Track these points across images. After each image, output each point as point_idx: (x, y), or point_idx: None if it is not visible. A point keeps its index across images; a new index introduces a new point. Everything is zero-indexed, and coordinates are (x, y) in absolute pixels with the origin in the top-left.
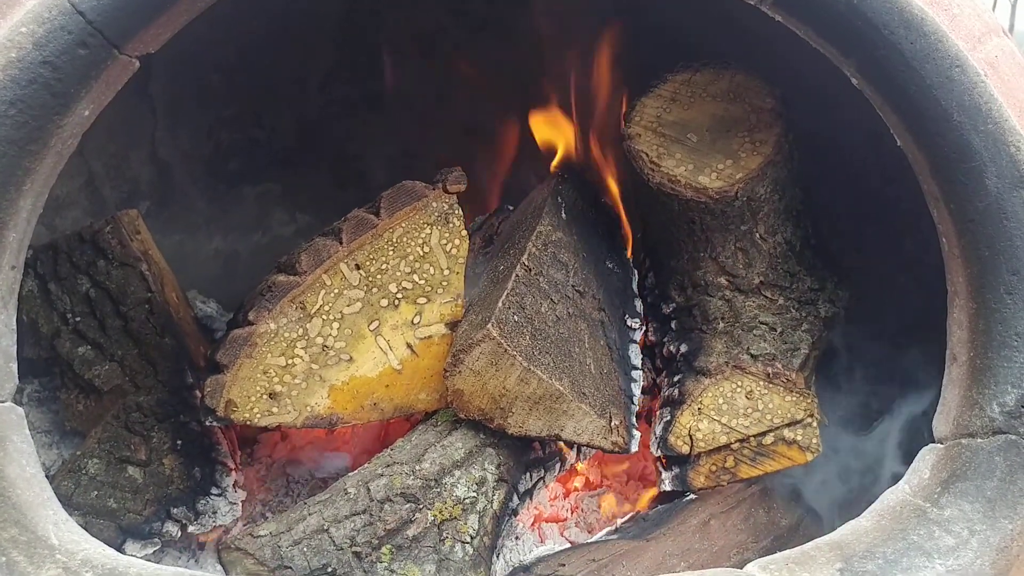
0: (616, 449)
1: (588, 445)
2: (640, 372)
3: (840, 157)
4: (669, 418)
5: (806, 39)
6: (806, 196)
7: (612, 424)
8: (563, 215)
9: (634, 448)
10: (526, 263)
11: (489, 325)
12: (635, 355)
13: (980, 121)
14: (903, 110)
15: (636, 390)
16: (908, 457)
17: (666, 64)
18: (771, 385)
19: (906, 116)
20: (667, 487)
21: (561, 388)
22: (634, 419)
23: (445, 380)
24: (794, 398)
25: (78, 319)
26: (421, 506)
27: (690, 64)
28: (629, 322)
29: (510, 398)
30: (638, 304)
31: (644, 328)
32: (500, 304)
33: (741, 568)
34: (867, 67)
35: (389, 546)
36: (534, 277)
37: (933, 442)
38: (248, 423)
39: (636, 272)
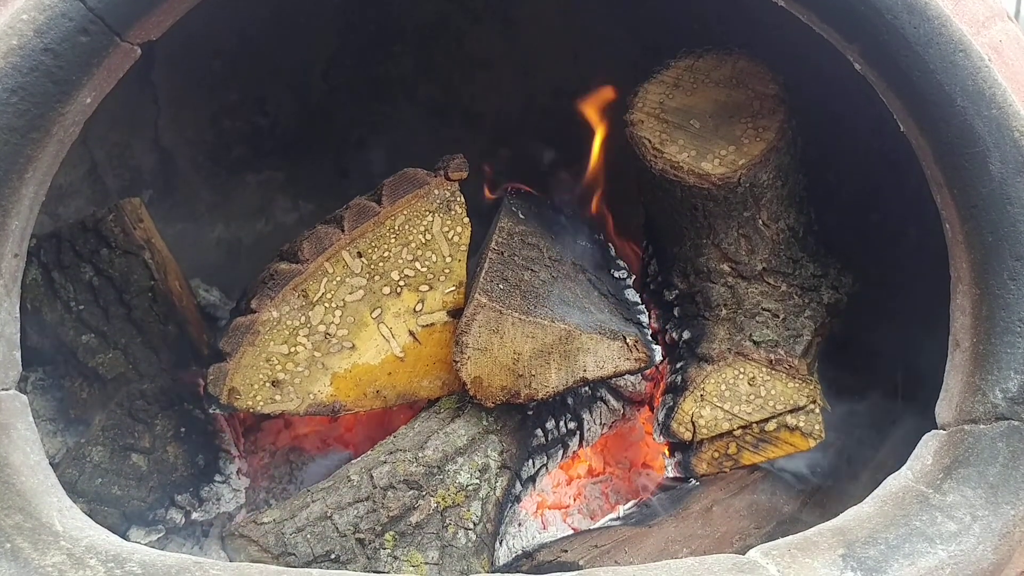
0: (642, 365)
1: (615, 374)
2: (643, 306)
3: (844, 143)
4: (671, 404)
5: (809, 24)
6: (809, 182)
7: (629, 343)
8: (520, 215)
9: (658, 359)
10: (496, 249)
11: (477, 294)
12: (632, 296)
13: (984, 106)
14: (906, 95)
15: (643, 318)
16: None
17: (670, 49)
18: (774, 372)
19: (909, 101)
20: (670, 473)
21: (566, 326)
22: (650, 337)
23: (459, 374)
24: (797, 384)
25: (81, 307)
26: (424, 493)
27: (693, 50)
28: (616, 274)
29: (524, 361)
30: (621, 263)
31: (633, 276)
32: (482, 279)
33: (744, 554)
34: (870, 52)
35: (392, 533)
36: (508, 258)
37: (936, 428)
38: (251, 411)
39: (610, 245)
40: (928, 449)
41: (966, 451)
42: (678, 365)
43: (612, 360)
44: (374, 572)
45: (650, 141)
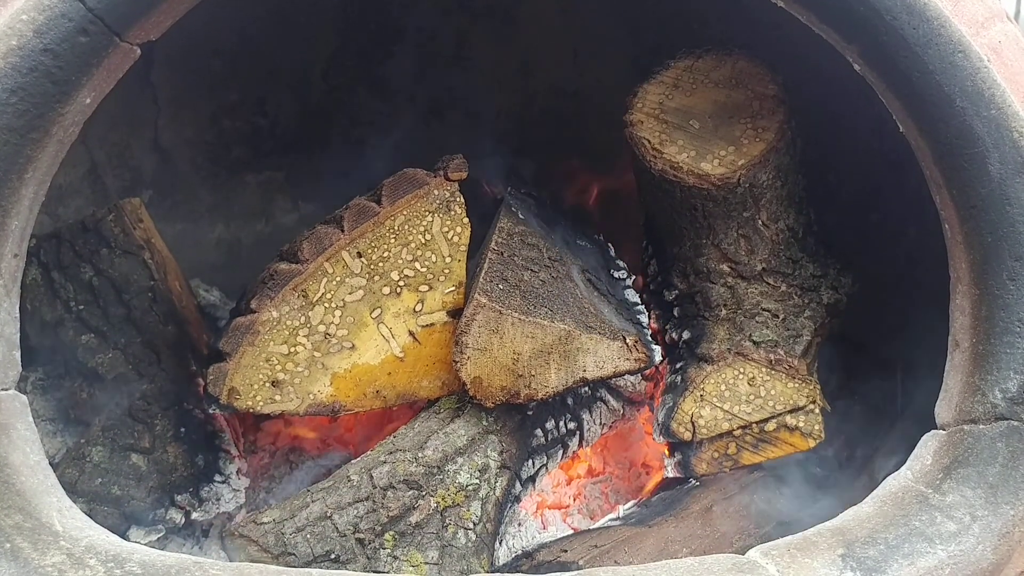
0: (641, 365)
1: (615, 374)
2: (642, 307)
3: (843, 143)
4: (671, 404)
5: (808, 25)
6: (809, 183)
7: (629, 343)
8: (520, 215)
9: (657, 359)
10: (496, 249)
11: (476, 294)
12: (632, 296)
13: (983, 107)
14: (905, 96)
15: (643, 318)
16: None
17: (670, 49)
18: (773, 372)
19: (908, 102)
20: (670, 473)
21: (566, 327)
22: (649, 337)
23: (459, 374)
24: (796, 385)
25: (81, 307)
26: (424, 493)
27: (692, 50)
28: (616, 274)
29: (524, 361)
30: (620, 263)
31: (633, 276)
32: (481, 280)
33: (743, 554)
34: (870, 53)
35: (392, 532)
36: (508, 258)
37: (935, 428)
38: (251, 411)
39: (610, 245)
40: (928, 449)
41: (966, 451)
42: (678, 365)
43: (612, 360)
44: (374, 572)
45: (649, 141)
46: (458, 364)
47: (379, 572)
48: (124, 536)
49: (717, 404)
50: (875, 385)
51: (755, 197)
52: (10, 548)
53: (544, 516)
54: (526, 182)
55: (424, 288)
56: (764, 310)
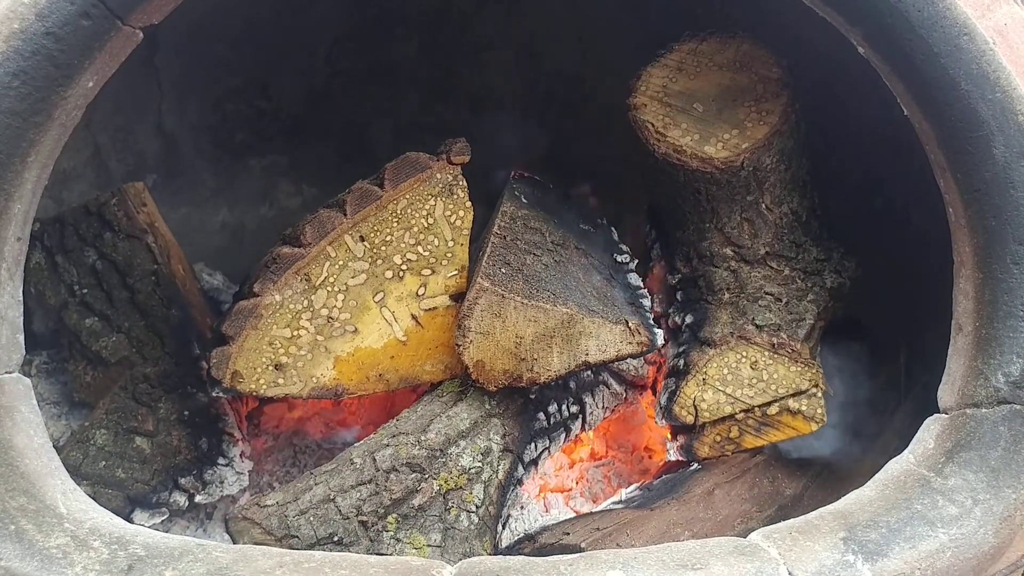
0: (644, 348)
1: (617, 358)
2: (645, 291)
3: (848, 127)
4: (674, 388)
5: (812, 7)
6: (813, 166)
7: (631, 327)
8: (523, 200)
9: (660, 342)
10: (499, 233)
11: (479, 278)
12: (635, 280)
13: (988, 90)
14: (910, 79)
15: (646, 302)
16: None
17: (674, 32)
18: (776, 355)
19: (913, 85)
20: (672, 457)
21: (568, 310)
22: (651, 320)
23: (461, 358)
24: (799, 368)
25: (85, 291)
26: (427, 476)
27: (696, 33)
28: (619, 259)
29: (526, 344)
30: (623, 247)
31: (635, 260)
32: (484, 263)
33: (745, 537)
34: (874, 35)
35: (395, 515)
36: (510, 242)
37: (938, 412)
38: (254, 394)
39: (613, 229)
40: (930, 433)
41: (968, 435)
42: (680, 349)
43: (614, 344)
44: (377, 554)
45: (653, 125)
46: (461, 348)
47: (382, 555)
48: (128, 519)
49: (719, 388)
50: (878, 369)
51: (759, 181)
52: (15, 530)
53: (546, 499)
54: (529, 166)
55: (427, 272)
56: (767, 294)
